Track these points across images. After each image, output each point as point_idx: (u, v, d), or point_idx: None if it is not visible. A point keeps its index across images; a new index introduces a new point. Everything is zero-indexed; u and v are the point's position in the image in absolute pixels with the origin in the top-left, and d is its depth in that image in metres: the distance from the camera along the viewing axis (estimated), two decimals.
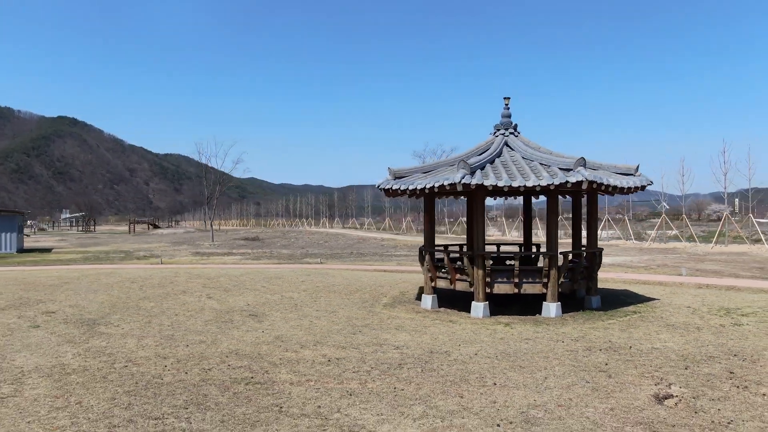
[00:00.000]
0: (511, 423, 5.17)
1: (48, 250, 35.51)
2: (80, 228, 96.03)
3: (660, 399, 5.82)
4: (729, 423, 5.13)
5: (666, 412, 5.42)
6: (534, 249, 14.47)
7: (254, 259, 27.03)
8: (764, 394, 5.93)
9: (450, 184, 10.44)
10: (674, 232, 39.88)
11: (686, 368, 6.97)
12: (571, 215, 14.75)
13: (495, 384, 6.39)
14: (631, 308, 11.60)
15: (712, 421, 5.17)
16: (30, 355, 7.89)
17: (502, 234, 50.30)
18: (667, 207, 57.44)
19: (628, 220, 44.25)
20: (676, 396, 5.87)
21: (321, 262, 24.82)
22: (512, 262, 11.88)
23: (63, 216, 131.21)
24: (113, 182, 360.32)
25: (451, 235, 47.61)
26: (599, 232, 34.56)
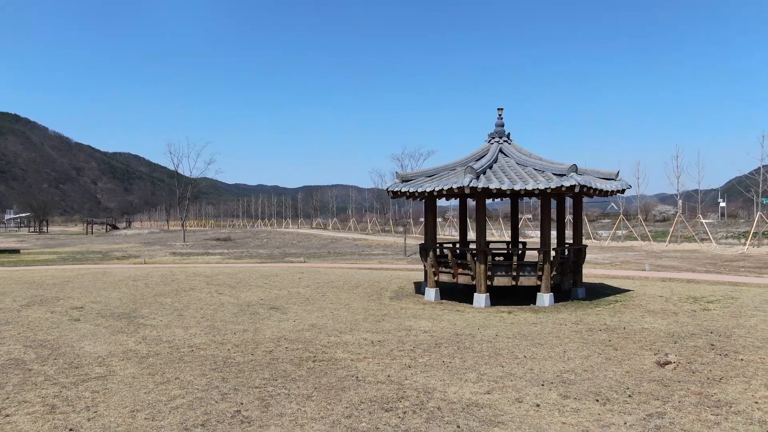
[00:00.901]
0: (552, 383, 6.37)
1: (16, 251, 34.93)
2: (31, 228, 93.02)
3: (662, 364, 7.13)
4: (720, 379, 6.47)
5: (670, 373, 6.73)
6: (520, 246, 15.84)
7: (236, 259, 27.60)
8: (742, 359, 7.33)
9: (459, 187, 11.64)
10: (623, 231, 42.32)
11: (675, 342, 8.35)
12: (540, 215, 16.15)
13: (525, 357, 7.59)
14: (611, 298, 13.06)
15: (708, 378, 6.51)
16: (94, 344, 8.62)
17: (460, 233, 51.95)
18: (616, 208, 60.65)
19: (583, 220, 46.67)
20: (674, 362, 7.20)
21: (304, 261, 25.66)
22: (499, 258, 13.20)
23: (7, 216, 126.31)
24: (59, 181, 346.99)
25: (453, 233, 48.95)
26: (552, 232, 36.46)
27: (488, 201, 15.14)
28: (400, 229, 57.12)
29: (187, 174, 48.08)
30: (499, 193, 12.34)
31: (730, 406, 5.53)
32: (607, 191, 12.57)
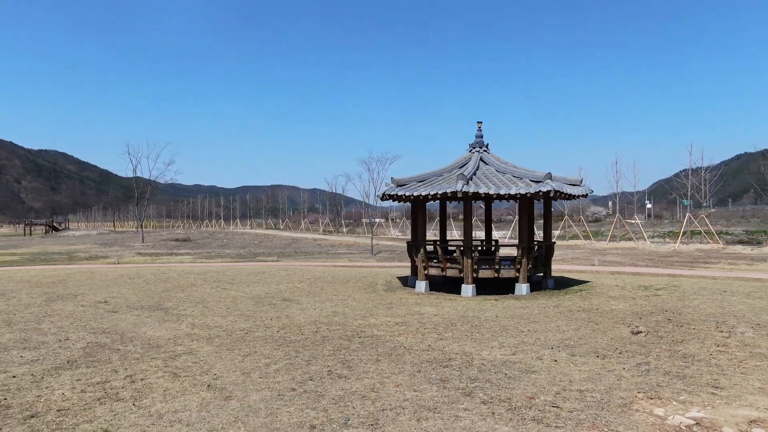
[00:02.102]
0: (558, 347, 8.15)
1: None
2: None
3: (635, 333, 9.08)
4: (681, 341, 8.45)
5: (643, 339, 8.66)
6: (494, 243, 17.78)
7: (208, 258, 28.36)
8: (694, 328, 9.39)
9: (452, 192, 13.38)
10: (559, 232, 45.53)
11: (640, 318, 10.37)
12: (518, 216, 18.17)
13: (529, 330, 9.38)
14: (576, 288, 15.15)
15: (672, 340, 8.48)
16: (153, 330, 9.74)
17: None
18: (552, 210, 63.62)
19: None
20: (644, 331, 9.16)
21: (277, 260, 26.79)
22: (475, 254, 15.07)
23: None
24: None
25: (397, 234, 50.61)
26: (495, 232, 39.27)
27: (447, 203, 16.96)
28: (358, 230, 58.68)
29: (147, 175, 47.77)
30: (487, 197, 14.18)
31: (693, 357, 7.47)
32: (574, 195, 14.63)
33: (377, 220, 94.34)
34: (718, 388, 6.09)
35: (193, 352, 8.01)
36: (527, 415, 5.31)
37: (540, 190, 13.37)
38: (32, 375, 6.85)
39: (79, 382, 6.54)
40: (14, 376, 6.80)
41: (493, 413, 5.36)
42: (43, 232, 76.20)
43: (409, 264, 23.60)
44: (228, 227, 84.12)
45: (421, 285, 15.01)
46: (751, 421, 5.01)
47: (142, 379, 6.63)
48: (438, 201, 16.30)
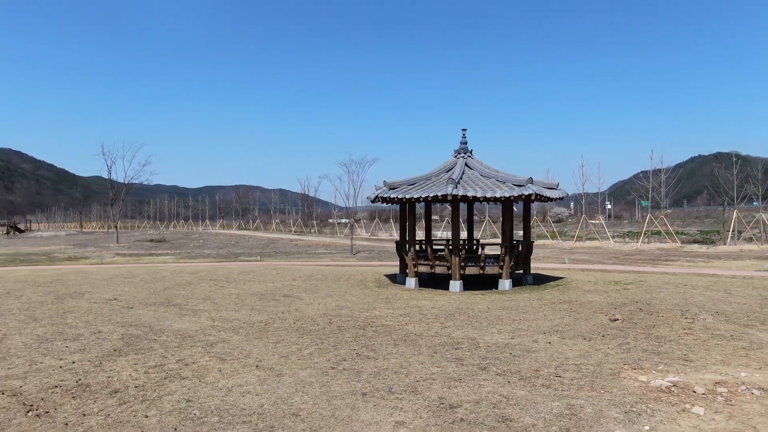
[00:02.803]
0: (549, 332, 9.32)
1: None
2: None
3: (613, 320, 10.33)
4: (653, 326, 9.73)
5: (621, 325, 9.91)
6: (476, 242, 19.00)
7: (190, 259, 28.83)
8: (662, 316, 10.71)
9: (443, 195, 14.49)
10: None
11: (615, 308, 11.66)
12: (501, 217, 19.43)
13: (520, 319, 10.54)
14: (553, 283, 16.46)
15: (646, 325, 9.75)
16: (178, 323, 10.52)
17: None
18: (516, 210, 65.60)
19: (489, 220, 51.45)
20: (620, 319, 10.43)
21: (260, 260, 27.49)
22: (456, 252, 16.24)
23: None
24: None
25: (367, 234, 51.49)
26: (462, 232, 40.71)
27: (413, 204, 18.12)
28: (326, 230, 59.47)
29: (122, 176, 47.60)
30: (474, 200, 15.34)
31: (665, 338, 8.74)
32: (552, 198, 15.93)
33: (345, 220, 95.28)
34: (687, 360, 7.33)
35: (226, 341, 8.87)
36: (536, 382, 6.42)
37: (523, 194, 14.59)
38: (89, 361, 7.62)
39: (137, 365, 7.36)
40: (73, 362, 7.56)
41: (508, 381, 6.45)
42: (4, 232, 74.37)
43: (390, 262, 24.72)
44: (197, 227, 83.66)
45: (411, 281, 16.07)
46: (716, 383, 6.23)
47: (193, 362, 7.49)
48: (422, 203, 17.42)
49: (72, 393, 6.16)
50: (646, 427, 4.95)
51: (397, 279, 17.45)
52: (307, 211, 73.88)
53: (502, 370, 6.93)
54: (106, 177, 45.95)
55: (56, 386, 6.42)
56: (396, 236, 55.85)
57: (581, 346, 8.30)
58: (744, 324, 9.80)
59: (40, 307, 12.41)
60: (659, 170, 42.88)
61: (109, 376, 6.84)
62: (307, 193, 74.60)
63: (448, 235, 48.17)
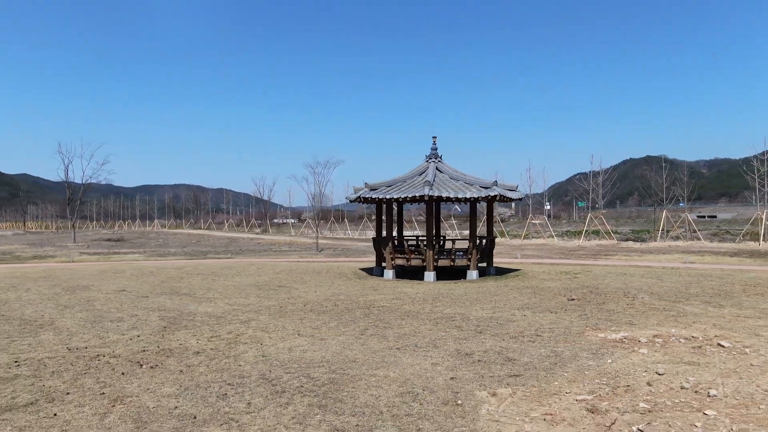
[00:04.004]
0: (522, 309, 11.36)
1: None
2: None
3: (570, 300, 12.52)
4: (603, 303, 11.95)
5: (578, 303, 12.09)
6: (443, 238, 21.05)
7: (161, 257, 29.60)
8: (610, 296, 12.99)
9: (420, 196, 16.41)
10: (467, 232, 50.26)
11: (570, 291, 13.90)
12: (469, 216, 21.53)
13: (494, 300, 12.57)
14: (513, 274, 18.69)
15: (597, 303, 11.97)
16: (202, 308, 11.94)
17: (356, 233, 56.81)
18: (459, 210, 69.31)
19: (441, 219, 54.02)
20: (576, 299, 12.63)
21: (232, 257, 28.63)
22: (430, 246, 18.24)
23: None
24: None
25: (314, 233, 52.87)
26: (406, 231, 43.05)
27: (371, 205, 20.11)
28: (272, 229, 60.42)
29: (80, 176, 47.05)
30: (447, 200, 17.33)
31: (614, 311, 10.94)
32: (513, 198, 18.14)
33: (290, 220, 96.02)
34: (632, 324, 9.51)
35: (256, 319, 10.44)
36: (524, 339, 8.39)
37: (489, 195, 16.71)
38: (150, 335, 9.05)
39: (196, 337, 8.86)
40: (138, 335, 8.97)
41: (502, 339, 8.40)
42: None
43: (358, 258, 26.52)
44: (145, 227, 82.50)
45: (389, 273, 17.92)
46: (654, 336, 8.39)
47: (241, 333, 9.06)
48: (396, 203, 19.29)
49: (163, 354, 7.66)
50: (609, 360, 6.99)
51: (374, 272, 19.23)
52: (263, 211, 74.46)
53: (495, 333, 8.89)
54: (63, 176, 45.38)
55: (143, 350, 7.88)
56: (351, 234, 57.72)
57: (550, 317, 10.38)
58: (673, 300, 12.18)
59: (58, 297, 13.49)
60: (597, 173, 46.46)
61: (180, 344, 8.33)
62: (261, 193, 75.23)
63: (413, 233, 50.49)
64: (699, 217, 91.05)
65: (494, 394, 5.74)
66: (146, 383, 6.23)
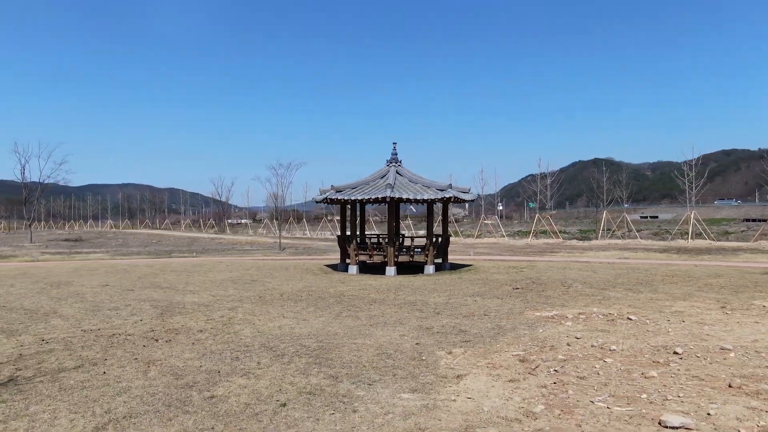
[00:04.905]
0: (473, 296, 13.10)
1: None
2: None
3: (515, 289, 14.36)
4: (543, 291, 13.84)
5: (522, 292, 13.93)
6: (402, 237, 22.71)
7: (126, 256, 30.23)
8: (549, 286, 14.91)
9: (382, 197, 18.02)
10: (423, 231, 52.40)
11: (516, 282, 15.77)
12: (426, 216, 23.23)
13: (450, 290, 14.29)
14: (466, 268, 20.54)
15: (538, 291, 13.85)
16: (188, 298, 13.18)
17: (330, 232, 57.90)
18: (414, 211, 71.42)
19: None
20: (521, 288, 14.48)
21: (197, 256, 29.56)
22: (391, 243, 19.91)
23: None
24: None
25: (268, 233, 53.74)
26: (370, 231, 44.70)
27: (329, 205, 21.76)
28: (223, 229, 60.97)
29: (37, 176, 46.48)
30: (407, 201, 18.99)
31: (551, 296, 12.81)
32: (466, 200, 19.96)
33: (244, 221, 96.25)
34: (564, 305, 11.37)
35: (241, 307, 11.80)
36: (474, 318, 10.10)
37: (444, 196, 18.47)
38: (151, 319, 10.31)
39: (193, 320, 10.18)
40: (141, 320, 10.22)
41: (456, 318, 10.08)
42: None
43: (320, 256, 27.96)
44: (97, 227, 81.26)
45: (353, 268, 19.45)
46: (579, 313, 10.25)
47: (234, 317, 10.43)
48: (360, 203, 20.84)
49: (171, 332, 8.99)
50: (540, 330, 8.76)
51: (338, 268, 20.72)
52: (218, 211, 74.68)
53: (450, 314, 10.57)
54: (20, 176, 44.86)
55: (152, 330, 9.19)
56: (310, 234, 58.93)
57: (497, 302, 12.15)
58: (601, 288, 14.18)
59: (46, 291, 14.44)
60: (545, 175, 49.24)
61: (182, 325, 9.66)
62: (220, 193, 75.47)
63: (372, 232, 51.98)
64: (642, 217, 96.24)
65: (450, 353, 7.39)
66: (168, 352, 7.60)
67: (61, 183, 46.22)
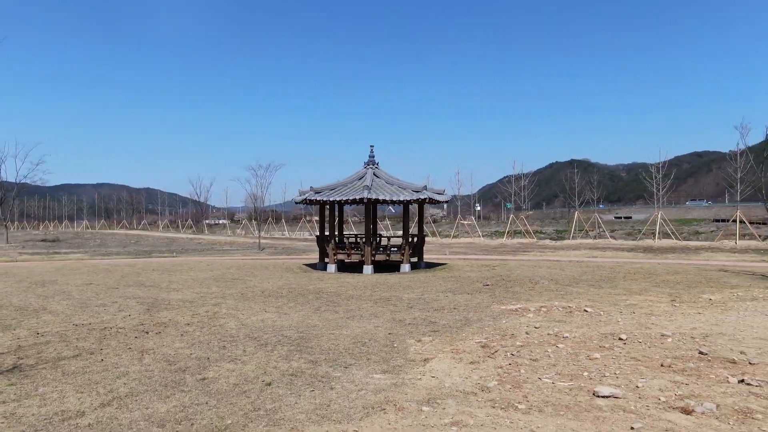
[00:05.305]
0: (445, 291, 13.87)
1: None
2: None
3: (485, 285, 15.17)
4: (511, 287, 14.67)
5: (491, 287, 14.74)
6: (379, 236, 23.42)
7: (105, 256, 30.42)
8: (518, 282, 15.73)
9: (360, 198, 18.71)
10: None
11: (486, 279, 16.59)
12: (402, 217, 23.97)
13: (425, 287, 15.04)
14: (441, 267, 21.33)
15: (506, 287, 14.67)
16: (173, 296, 13.71)
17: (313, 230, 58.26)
18: (393, 212, 72.32)
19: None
20: (490, 285, 15.29)
21: (177, 256, 29.91)
22: (369, 242, 20.63)
23: None
24: None
25: (245, 233, 53.95)
26: (348, 231, 45.40)
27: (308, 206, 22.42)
28: (202, 229, 61.03)
29: (14, 176, 46.09)
30: (383, 202, 19.71)
31: (518, 292, 13.62)
32: (440, 201, 20.74)
33: (222, 221, 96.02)
34: (528, 300, 12.19)
35: (224, 303, 12.39)
36: (443, 311, 10.85)
37: (420, 198, 19.23)
38: (139, 314, 10.86)
39: (179, 314, 10.75)
40: (129, 315, 10.76)
41: (427, 311, 10.82)
42: None
43: (299, 256, 28.54)
44: (72, 228, 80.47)
45: (332, 267, 20.10)
46: (541, 306, 11.07)
47: (218, 312, 11.03)
48: (338, 204, 21.50)
49: (160, 325, 9.56)
50: (504, 321, 9.54)
51: (317, 266, 21.35)
52: (196, 211, 74.58)
53: (422, 308, 11.31)
54: None
55: (141, 324, 9.75)
56: (289, 234, 59.33)
57: (467, 297, 12.93)
58: (566, 284, 15.07)
59: (32, 289, 14.82)
60: (520, 176, 50.37)
61: (169, 319, 10.23)
62: (198, 195, 75.33)
63: (350, 232, 52.54)
64: (616, 218, 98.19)
65: (419, 341, 8.12)
66: (159, 342, 8.20)
67: (39, 183, 45.91)
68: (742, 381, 5.87)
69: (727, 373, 6.17)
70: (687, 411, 5.00)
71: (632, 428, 4.59)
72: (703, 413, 4.95)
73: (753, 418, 4.85)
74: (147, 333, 8.92)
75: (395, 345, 7.88)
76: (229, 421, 4.92)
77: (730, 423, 4.75)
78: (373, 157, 21.52)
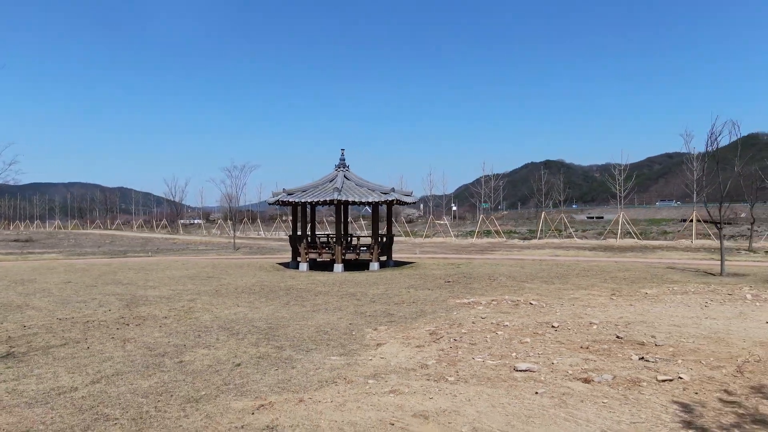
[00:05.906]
0: (408, 287, 14.84)
1: None
2: None
3: (447, 282, 16.19)
4: (471, 283, 15.71)
5: (453, 284, 15.76)
6: (350, 236, 24.33)
7: (81, 256, 30.77)
8: (477, 279, 16.80)
9: (330, 199, 19.61)
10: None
11: (450, 276, 17.61)
12: (372, 217, 24.89)
13: (390, 283, 16.00)
14: (408, 265, 22.34)
15: (466, 283, 15.71)
16: (150, 292, 14.45)
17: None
18: (369, 212, 73.34)
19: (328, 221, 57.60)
20: (452, 281, 16.31)
21: (152, 256, 30.41)
22: (339, 242, 21.53)
23: None
24: None
25: (220, 232, 54.28)
26: (323, 231, 46.03)
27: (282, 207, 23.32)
28: (191, 230, 61.22)
29: None
30: (352, 203, 20.64)
31: (475, 288, 14.67)
32: (408, 202, 21.74)
33: (197, 221, 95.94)
34: (482, 295, 13.24)
35: (200, 299, 13.19)
36: (402, 305, 11.82)
37: (387, 199, 20.20)
38: (119, 309, 11.61)
39: (157, 309, 11.53)
40: (110, 310, 11.51)
41: (388, 305, 11.79)
42: None
43: (273, 255, 29.30)
44: (44, 228, 79.70)
45: (304, 266, 20.97)
46: (491, 300, 12.12)
47: (193, 307, 11.84)
48: (310, 205, 22.37)
49: (139, 319, 10.35)
50: (455, 313, 10.55)
51: (290, 265, 22.18)
52: (171, 211, 74.57)
53: (384, 302, 12.28)
54: None
55: (122, 317, 10.53)
56: (264, 234, 59.90)
57: (428, 292, 13.94)
58: (521, 281, 16.18)
59: (13, 287, 15.40)
60: (491, 177, 51.77)
61: (148, 313, 11.02)
62: (173, 193, 75.30)
63: (324, 232, 53.19)
64: (589, 218, 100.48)
65: (376, 329, 9.08)
66: (139, 333, 9.01)
67: (11, 183, 45.61)
68: (642, 358, 6.95)
69: (633, 353, 7.25)
70: (587, 380, 6.04)
71: (536, 392, 5.61)
72: (599, 382, 5.99)
73: (639, 385, 5.91)
74: (128, 325, 9.71)
75: (353, 333, 8.82)
76: (204, 393, 5.81)
77: (619, 389, 5.79)
78: (344, 160, 22.43)
